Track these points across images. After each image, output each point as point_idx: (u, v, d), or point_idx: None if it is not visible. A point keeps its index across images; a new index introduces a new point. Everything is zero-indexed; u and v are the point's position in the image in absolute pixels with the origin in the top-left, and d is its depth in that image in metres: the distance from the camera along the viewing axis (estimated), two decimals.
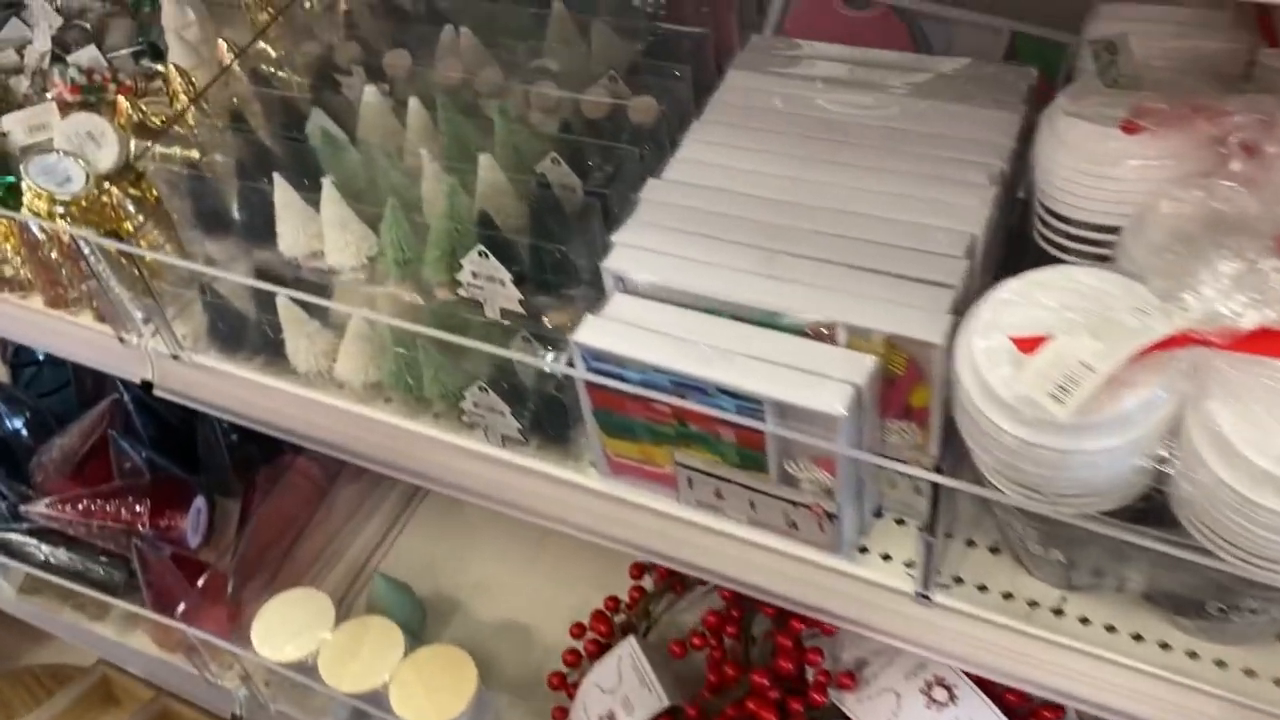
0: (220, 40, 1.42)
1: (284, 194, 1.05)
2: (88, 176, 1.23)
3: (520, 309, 1.00)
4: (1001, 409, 0.75)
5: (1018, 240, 0.96)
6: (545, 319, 1.01)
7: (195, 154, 1.29)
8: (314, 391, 1.14)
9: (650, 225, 0.95)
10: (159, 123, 1.36)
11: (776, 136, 1.00)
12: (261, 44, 1.45)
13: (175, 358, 1.20)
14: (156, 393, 1.24)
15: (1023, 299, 0.78)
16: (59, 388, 1.81)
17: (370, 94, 1.13)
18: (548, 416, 1.02)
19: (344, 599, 1.67)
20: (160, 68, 1.58)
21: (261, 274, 1.12)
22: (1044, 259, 0.88)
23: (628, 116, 1.09)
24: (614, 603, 1.50)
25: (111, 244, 1.11)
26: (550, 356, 1.00)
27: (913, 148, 0.97)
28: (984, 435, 0.77)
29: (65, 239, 1.18)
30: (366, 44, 1.23)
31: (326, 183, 1.03)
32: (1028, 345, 0.75)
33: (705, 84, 1.11)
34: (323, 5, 1.38)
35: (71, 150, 1.25)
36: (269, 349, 1.16)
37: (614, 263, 0.92)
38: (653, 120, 1.08)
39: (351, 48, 1.19)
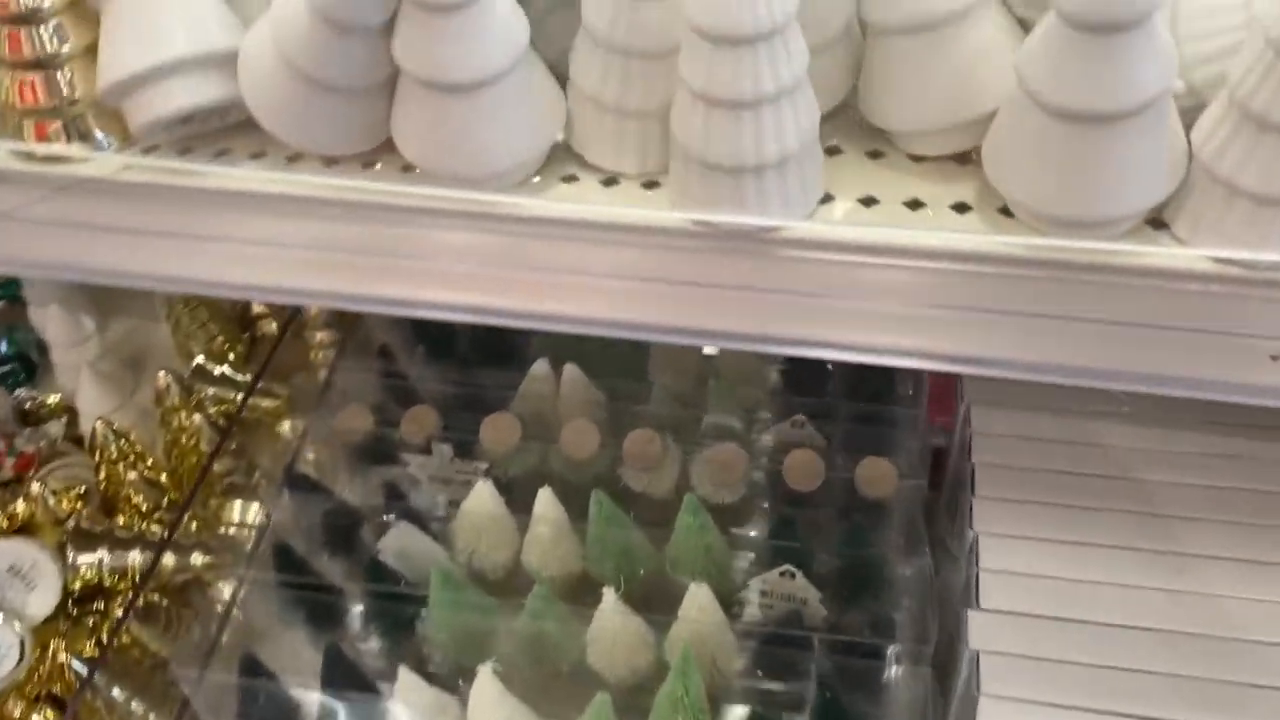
0: (161, 375, 1.02)
1: (411, 690, 0.69)
2: (22, 647, 0.81)
3: None
4: None
5: None
6: None
7: (182, 559, 0.89)
8: None
9: (1011, 702, 0.65)
10: (86, 515, 0.95)
11: (1092, 518, 0.74)
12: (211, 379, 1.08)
13: None
14: None
15: None
16: None
17: (484, 495, 0.79)
18: None
19: None
20: (49, 399, 1.16)
21: None
22: None
23: (854, 487, 0.80)
24: None
25: None
26: None
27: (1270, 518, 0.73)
28: None
29: None
30: (424, 394, 0.89)
31: (484, 672, 0.68)
32: None
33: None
34: (322, 331, 1.02)
35: None
36: None
37: None
38: (892, 493, 0.80)
39: (426, 418, 0.84)
